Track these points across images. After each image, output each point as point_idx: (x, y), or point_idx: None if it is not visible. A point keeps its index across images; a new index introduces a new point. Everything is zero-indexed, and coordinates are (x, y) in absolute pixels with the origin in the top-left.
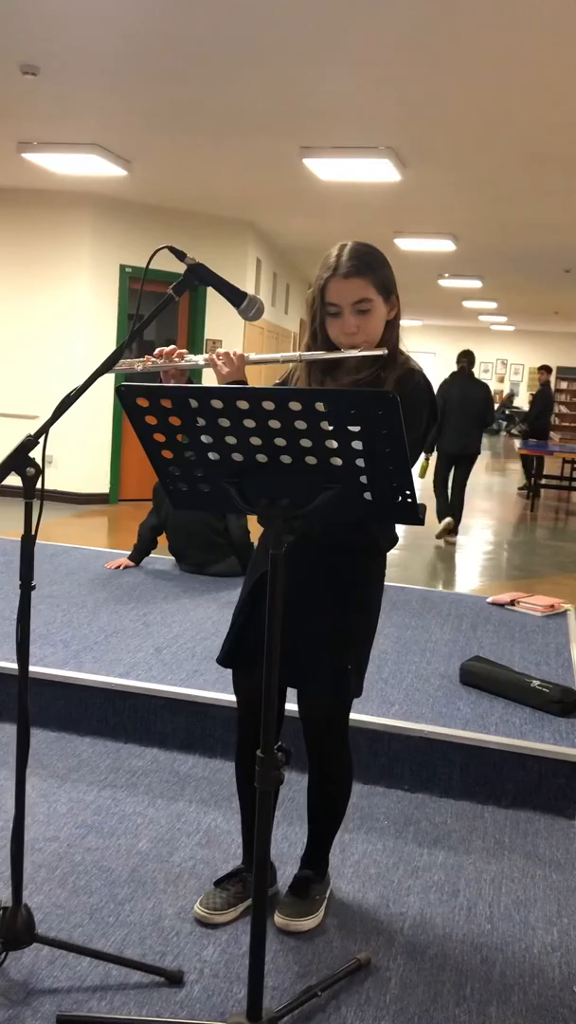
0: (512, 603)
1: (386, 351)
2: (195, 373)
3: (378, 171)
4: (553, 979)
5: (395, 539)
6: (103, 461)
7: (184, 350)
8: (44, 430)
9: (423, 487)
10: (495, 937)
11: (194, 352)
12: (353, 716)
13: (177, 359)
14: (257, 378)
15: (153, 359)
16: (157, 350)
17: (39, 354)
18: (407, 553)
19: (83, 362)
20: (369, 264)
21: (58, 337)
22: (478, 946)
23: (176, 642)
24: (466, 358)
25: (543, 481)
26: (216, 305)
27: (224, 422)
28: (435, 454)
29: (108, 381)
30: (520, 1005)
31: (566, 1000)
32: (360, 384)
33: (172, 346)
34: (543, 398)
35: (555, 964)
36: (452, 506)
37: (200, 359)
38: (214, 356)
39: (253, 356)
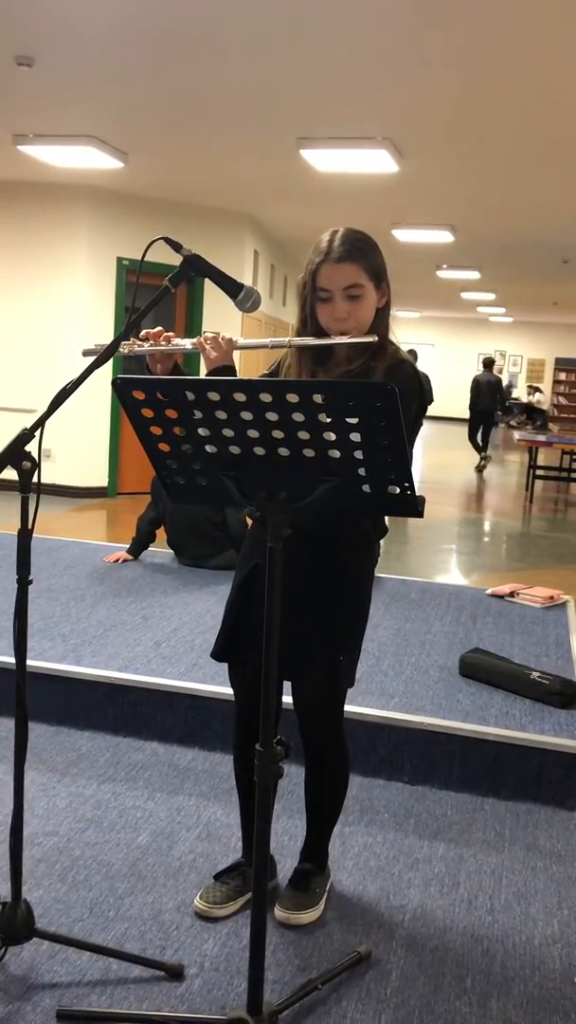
0: (511, 595)
1: (376, 338)
2: (192, 361)
3: (376, 162)
4: (554, 971)
5: (384, 530)
6: (101, 455)
7: (171, 333)
8: (40, 423)
9: None
10: (496, 929)
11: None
12: (352, 708)
13: (164, 343)
14: (253, 364)
15: (140, 342)
16: (144, 332)
17: (36, 347)
18: (406, 545)
19: (80, 355)
20: (361, 249)
21: (55, 330)
22: (479, 938)
23: (175, 636)
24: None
25: (539, 472)
26: (213, 297)
27: (221, 414)
28: None
29: (106, 374)
30: (521, 997)
31: (567, 992)
32: (351, 375)
33: (159, 328)
34: (474, 386)
35: (556, 956)
36: None
37: (188, 343)
38: (202, 340)
39: (241, 341)
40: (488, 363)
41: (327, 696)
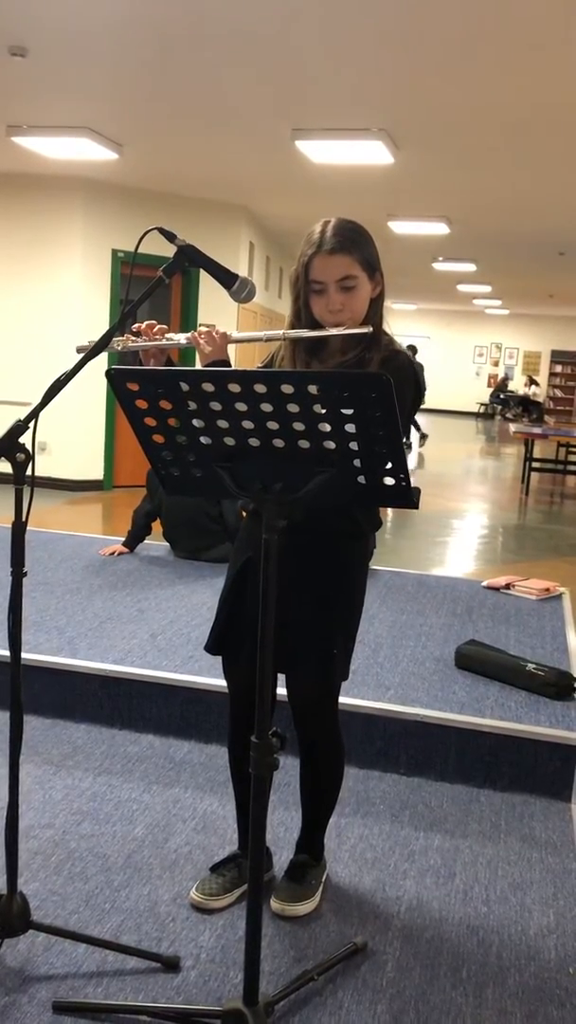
0: (507, 587)
1: (371, 329)
2: (187, 356)
3: (371, 153)
4: (549, 961)
5: (379, 522)
6: (97, 447)
7: (164, 326)
8: (34, 415)
9: None
10: (491, 920)
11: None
12: (348, 700)
13: (158, 336)
14: (248, 358)
15: (133, 337)
16: (136, 326)
17: (31, 340)
18: (402, 539)
19: (75, 348)
20: (354, 240)
21: (50, 323)
22: (474, 929)
23: (171, 628)
24: None
25: (536, 464)
26: (209, 289)
27: (216, 406)
28: None
29: (101, 366)
30: (516, 987)
31: (562, 982)
32: (346, 366)
33: (151, 321)
34: None
35: (551, 946)
36: None
37: (182, 338)
38: (196, 334)
39: (236, 335)
40: (413, 350)
41: (321, 689)
